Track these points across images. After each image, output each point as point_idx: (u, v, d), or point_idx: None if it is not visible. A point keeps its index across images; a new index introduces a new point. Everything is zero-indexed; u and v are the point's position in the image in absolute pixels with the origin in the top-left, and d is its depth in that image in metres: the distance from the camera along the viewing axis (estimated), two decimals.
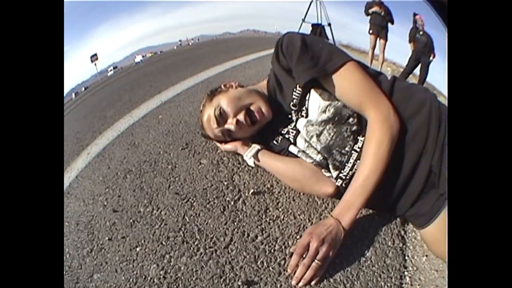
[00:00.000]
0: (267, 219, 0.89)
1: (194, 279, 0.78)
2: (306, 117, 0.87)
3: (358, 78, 0.78)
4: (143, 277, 0.81)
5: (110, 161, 1.28)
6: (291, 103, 0.88)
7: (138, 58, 1.90)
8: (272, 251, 0.81)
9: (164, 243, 0.88)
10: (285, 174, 0.93)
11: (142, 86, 1.76)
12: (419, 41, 1.50)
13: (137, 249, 0.89)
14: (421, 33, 1.49)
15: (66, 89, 1.80)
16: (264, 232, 0.86)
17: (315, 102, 0.84)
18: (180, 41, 1.92)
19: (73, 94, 1.84)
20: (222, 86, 1.00)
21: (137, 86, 1.78)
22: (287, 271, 0.76)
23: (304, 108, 0.87)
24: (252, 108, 0.90)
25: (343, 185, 0.83)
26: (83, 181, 1.27)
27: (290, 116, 0.92)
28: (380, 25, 1.56)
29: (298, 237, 0.83)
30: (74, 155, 1.48)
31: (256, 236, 0.85)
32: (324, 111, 0.83)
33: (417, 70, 1.57)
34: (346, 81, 0.79)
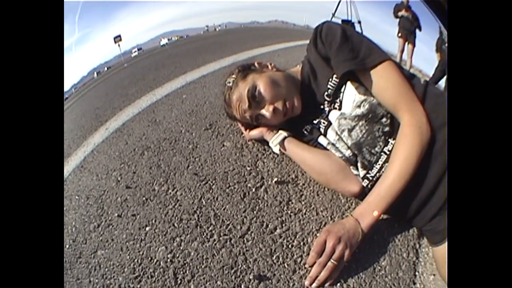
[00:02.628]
0: (289, 212, 0.83)
1: (203, 266, 0.74)
2: (339, 109, 0.83)
3: (395, 79, 0.76)
4: (149, 258, 0.78)
5: (129, 137, 1.26)
6: (326, 93, 0.84)
7: (164, 41, 1.89)
8: (290, 246, 0.76)
9: (176, 225, 0.84)
10: (312, 165, 0.87)
11: (167, 67, 1.74)
12: (446, 52, 1.45)
13: (147, 228, 0.86)
14: (447, 44, 1.44)
15: (88, 69, 1.83)
16: (283, 225, 0.80)
17: (350, 95, 0.81)
18: (207, 26, 1.90)
19: (95, 73, 1.86)
20: (256, 64, 0.94)
21: (161, 66, 1.76)
22: (302, 270, 0.71)
23: (338, 100, 0.83)
24: (289, 98, 0.86)
25: (369, 186, 0.79)
26: (99, 155, 1.26)
27: (322, 106, 0.87)
28: (409, 30, 1.55)
29: (318, 234, 0.77)
30: (92, 130, 1.48)
31: (275, 228, 0.79)
32: (359, 106, 0.80)
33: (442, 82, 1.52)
34: (383, 79, 0.77)
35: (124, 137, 1.28)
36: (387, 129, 0.78)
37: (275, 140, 0.90)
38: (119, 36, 1.75)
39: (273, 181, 0.91)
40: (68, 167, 1.28)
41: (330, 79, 0.82)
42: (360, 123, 0.79)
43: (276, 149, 0.91)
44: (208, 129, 1.16)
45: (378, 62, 0.76)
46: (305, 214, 0.83)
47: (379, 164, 0.78)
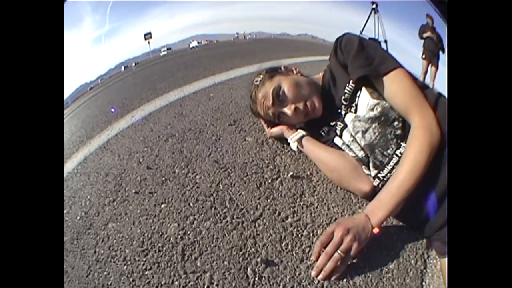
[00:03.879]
0: (301, 204, 0.86)
1: (212, 245, 0.76)
2: (355, 112, 0.88)
3: (407, 84, 0.81)
4: (160, 233, 0.80)
5: (154, 125, 1.31)
6: (343, 97, 0.89)
7: (193, 44, 1.95)
8: (299, 235, 0.78)
9: (191, 204, 0.87)
10: (326, 163, 0.91)
11: (196, 67, 1.81)
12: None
13: (162, 205, 0.88)
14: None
15: (116, 62, 1.88)
16: (295, 215, 0.82)
17: (365, 99, 0.85)
18: (237, 33, 1.96)
19: (122, 67, 1.91)
20: (283, 68, 1.01)
21: (190, 66, 1.83)
22: (309, 259, 0.72)
23: (354, 104, 0.88)
24: (309, 100, 0.92)
25: (380, 186, 0.81)
26: (123, 139, 1.30)
27: (340, 110, 0.92)
28: (433, 51, 1.53)
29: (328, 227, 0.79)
30: (118, 117, 1.53)
31: (287, 217, 0.82)
32: (372, 109, 0.84)
33: None
34: (395, 85, 0.81)
35: (149, 125, 1.32)
36: (399, 132, 0.81)
37: (294, 137, 0.95)
38: (150, 33, 1.78)
39: (289, 175, 0.94)
40: (90, 148, 1.32)
41: (347, 84, 0.87)
42: (374, 126, 0.83)
43: (294, 145, 0.96)
44: (232, 124, 1.21)
45: (390, 69, 0.81)
46: (316, 207, 0.85)
47: (390, 166, 0.80)
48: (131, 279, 0.70)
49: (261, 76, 0.98)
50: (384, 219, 0.73)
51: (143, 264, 0.73)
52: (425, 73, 1.56)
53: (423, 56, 1.53)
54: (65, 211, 0.95)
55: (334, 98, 0.93)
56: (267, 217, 0.82)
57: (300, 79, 0.95)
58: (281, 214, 0.83)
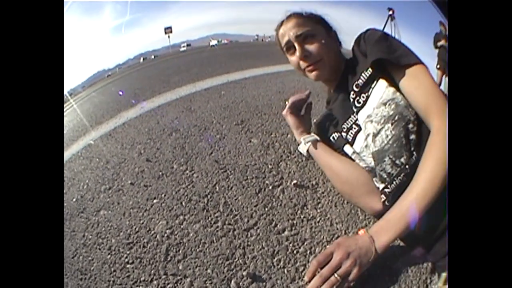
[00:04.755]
0: (301, 216, 0.78)
1: (198, 250, 0.70)
2: (364, 104, 0.79)
3: (429, 82, 0.73)
4: (147, 229, 0.77)
5: (161, 118, 1.30)
6: (355, 83, 0.81)
7: (213, 42, 1.94)
8: (294, 251, 0.70)
9: (184, 204, 0.82)
10: (339, 173, 0.82)
11: (212, 65, 1.80)
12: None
13: (154, 200, 0.86)
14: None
15: (135, 53, 1.90)
16: (293, 228, 0.75)
17: (379, 91, 0.77)
18: (257, 35, 1.94)
19: (141, 58, 1.93)
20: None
21: (206, 63, 1.83)
22: (302, 280, 0.65)
23: (364, 95, 0.80)
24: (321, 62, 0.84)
25: (386, 202, 0.73)
26: (128, 128, 1.31)
27: (350, 99, 0.83)
28: (447, 61, 1.46)
29: (328, 246, 0.71)
30: (127, 106, 1.55)
31: (284, 230, 0.74)
32: (385, 104, 0.75)
33: None
34: (416, 80, 0.73)
35: (157, 117, 1.32)
36: (413, 136, 0.73)
37: (307, 138, 0.86)
38: (170, 27, 1.77)
39: (292, 183, 0.87)
40: (96, 133, 1.35)
41: (364, 71, 0.80)
42: (386, 126, 0.74)
43: (304, 148, 0.86)
44: (238, 124, 1.17)
45: (413, 62, 0.73)
46: (318, 222, 0.77)
47: (399, 179, 0.72)
48: (112, 269, 0.69)
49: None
50: (390, 242, 0.65)
51: (126, 257, 0.71)
52: (439, 84, 1.47)
53: (438, 66, 1.44)
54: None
55: (348, 85, 0.84)
56: (262, 227, 0.75)
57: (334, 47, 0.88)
58: (278, 225, 0.75)
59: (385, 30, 1.44)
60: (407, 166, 0.72)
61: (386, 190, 0.73)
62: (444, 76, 1.43)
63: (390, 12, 1.41)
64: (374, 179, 0.76)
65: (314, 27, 0.85)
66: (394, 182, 0.72)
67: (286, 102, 0.92)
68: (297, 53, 0.82)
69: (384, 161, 0.73)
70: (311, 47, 0.83)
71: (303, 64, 0.84)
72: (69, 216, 0.85)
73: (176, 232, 0.74)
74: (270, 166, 0.94)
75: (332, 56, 0.86)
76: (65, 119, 1.55)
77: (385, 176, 0.73)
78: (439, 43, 1.41)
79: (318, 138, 0.86)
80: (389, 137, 0.74)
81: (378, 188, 0.75)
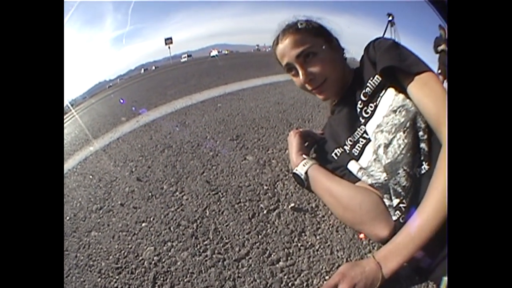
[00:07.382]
0: (298, 244, 0.71)
1: (185, 280, 0.65)
2: (373, 114, 0.75)
3: (441, 90, 0.69)
4: (135, 254, 0.73)
5: (155, 133, 1.27)
6: (363, 92, 0.76)
7: (214, 53, 1.94)
8: (290, 284, 0.63)
9: (172, 229, 0.77)
10: (338, 198, 0.75)
11: (211, 76, 1.78)
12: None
13: (143, 224, 0.81)
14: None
15: (136, 64, 1.91)
16: (289, 258, 0.68)
17: (388, 99, 0.73)
18: (257, 45, 1.94)
19: (142, 69, 1.93)
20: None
21: (205, 75, 1.81)
22: None
23: (373, 105, 0.76)
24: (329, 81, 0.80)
25: (401, 220, 0.66)
26: (123, 144, 1.30)
27: (357, 109, 0.78)
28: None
29: (327, 277, 0.65)
30: (123, 120, 1.54)
31: (278, 260, 0.68)
32: (395, 111, 0.71)
33: None
34: (427, 88, 0.70)
35: (150, 132, 1.29)
36: (423, 145, 0.69)
37: (306, 162, 0.81)
38: (170, 38, 1.79)
39: (289, 207, 0.80)
40: (92, 148, 1.33)
41: (372, 79, 0.76)
42: (398, 135, 0.69)
43: (303, 170, 0.80)
44: (233, 140, 1.12)
45: (424, 70, 0.70)
46: (317, 250, 0.70)
47: (411, 192, 0.66)
48: None
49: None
50: (399, 267, 0.59)
51: (115, 282, 0.68)
52: None
53: (439, 71, 1.39)
54: None
55: (355, 95, 0.79)
56: (254, 257, 0.68)
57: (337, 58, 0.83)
58: (272, 255, 0.69)
59: (385, 35, 1.40)
60: (419, 177, 0.67)
61: (401, 205, 0.67)
62: (445, 80, 1.40)
63: (390, 18, 1.38)
64: (385, 196, 0.70)
65: (313, 41, 0.79)
66: (409, 196, 0.67)
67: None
68: (301, 76, 0.78)
69: (398, 173, 0.68)
70: (314, 69, 0.78)
71: (308, 87, 0.80)
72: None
73: (163, 260, 0.70)
74: (265, 187, 0.88)
75: (338, 71, 0.82)
76: (65, 130, 1.55)
77: (400, 190, 0.67)
78: (440, 48, 1.38)
79: (315, 162, 0.81)
80: (402, 146, 0.69)
81: (392, 205, 0.69)
